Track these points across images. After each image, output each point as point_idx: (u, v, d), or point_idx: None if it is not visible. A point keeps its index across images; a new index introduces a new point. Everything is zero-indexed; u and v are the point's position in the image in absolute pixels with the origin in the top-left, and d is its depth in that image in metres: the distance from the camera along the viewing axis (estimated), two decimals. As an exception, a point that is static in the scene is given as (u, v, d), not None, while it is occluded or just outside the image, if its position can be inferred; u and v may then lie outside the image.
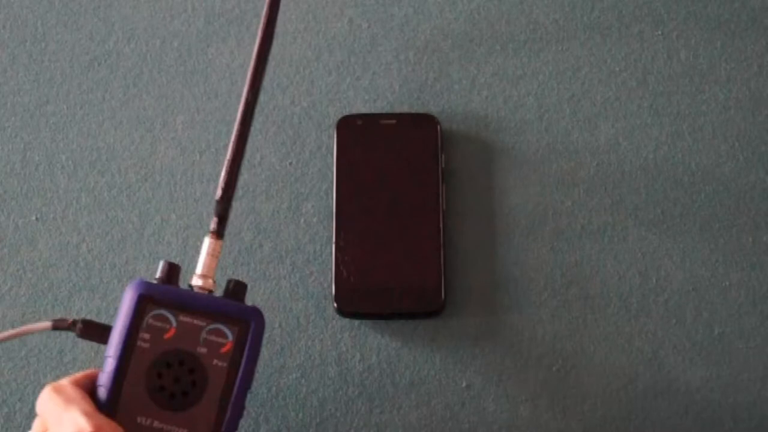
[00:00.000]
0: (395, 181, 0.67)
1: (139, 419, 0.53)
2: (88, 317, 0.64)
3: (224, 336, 0.55)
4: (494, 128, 0.69)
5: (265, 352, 0.64)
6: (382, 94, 0.70)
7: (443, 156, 0.68)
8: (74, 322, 0.55)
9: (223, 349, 0.54)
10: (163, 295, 0.54)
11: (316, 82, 0.71)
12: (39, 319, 0.65)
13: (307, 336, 0.64)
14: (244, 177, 0.68)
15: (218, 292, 0.57)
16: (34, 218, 0.67)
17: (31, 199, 0.68)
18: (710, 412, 0.63)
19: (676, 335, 0.64)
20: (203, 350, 0.54)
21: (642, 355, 0.64)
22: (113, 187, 0.68)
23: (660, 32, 0.72)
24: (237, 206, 0.67)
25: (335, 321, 0.65)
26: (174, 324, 0.54)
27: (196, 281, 0.57)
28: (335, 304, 0.64)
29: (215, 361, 0.54)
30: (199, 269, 0.57)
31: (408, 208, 0.66)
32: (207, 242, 0.58)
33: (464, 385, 0.64)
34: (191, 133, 0.70)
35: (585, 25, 0.72)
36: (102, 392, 0.53)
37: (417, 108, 0.70)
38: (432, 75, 0.71)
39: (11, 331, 0.54)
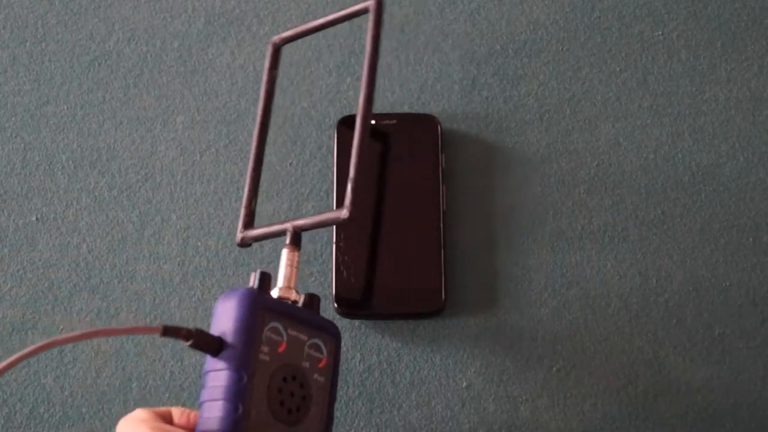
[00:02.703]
0: (395, 181, 0.67)
1: None
2: (88, 318, 0.65)
3: (320, 351, 0.53)
4: (494, 128, 0.69)
5: (265, 352, 0.64)
6: (382, 94, 0.70)
7: (443, 156, 0.68)
8: (188, 333, 0.50)
9: (320, 364, 0.53)
10: (275, 306, 0.52)
11: (316, 82, 0.71)
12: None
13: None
14: (244, 177, 0.68)
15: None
16: (34, 218, 0.67)
17: (31, 199, 0.68)
18: (710, 412, 0.63)
19: (676, 335, 0.64)
20: (306, 364, 0.53)
21: (642, 355, 0.64)
22: (113, 187, 0.68)
23: (660, 32, 0.72)
24: (237, 206, 0.67)
25: (335, 321, 0.65)
26: (285, 338, 0.52)
27: (284, 293, 0.55)
28: (335, 304, 0.64)
29: (315, 376, 0.53)
30: (281, 281, 0.56)
31: (408, 208, 0.66)
32: (285, 254, 0.57)
33: (464, 385, 0.64)
34: (191, 133, 0.70)
35: (585, 25, 0.72)
36: (226, 408, 0.49)
37: (417, 108, 0.70)
38: (432, 75, 0.71)
39: (120, 328, 0.49)
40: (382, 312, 0.64)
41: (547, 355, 0.64)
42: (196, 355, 0.64)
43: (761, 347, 0.64)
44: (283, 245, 0.57)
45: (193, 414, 0.52)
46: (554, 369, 0.64)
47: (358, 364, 0.64)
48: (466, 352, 0.64)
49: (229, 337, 0.50)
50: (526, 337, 0.64)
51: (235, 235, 0.67)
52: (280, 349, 0.52)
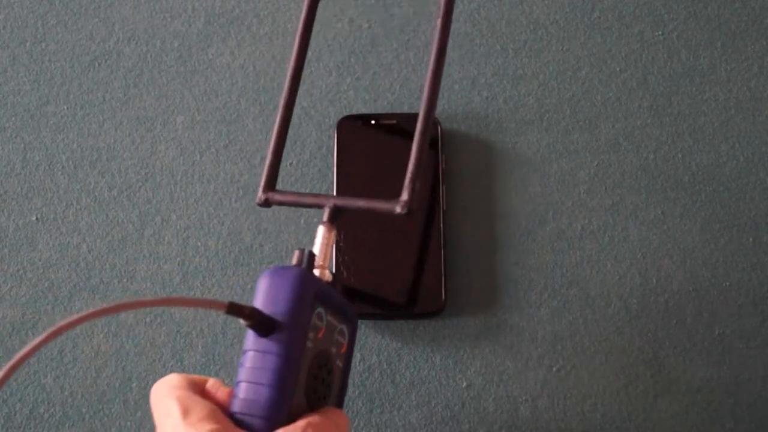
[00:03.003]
0: (395, 181, 0.67)
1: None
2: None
3: (344, 336, 0.52)
4: (494, 128, 0.69)
5: (265, 352, 0.64)
6: (382, 94, 0.70)
7: (443, 156, 0.68)
8: (251, 312, 0.47)
9: (342, 350, 0.52)
10: (322, 290, 0.50)
11: (316, 82, 0.71)
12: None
13: (307, 336, 0.65)
14: (244, 177, 0.68)
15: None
16: (34, 218, 0.67)
17: (31, 199, 0.68)
18: (710, 412, 0.63)
19: (676, 335, 0.64)
20: (333, 350, 0.51)
21: (642, 355, 0.64)
22: (113, 187, 0.68)
23: (660, 32, 0.72)
24: (237, 206, 0.67)
25: (335, 321, 0.65)
26: (324, 323, 0.50)
27: (320, 274, 0.53)
28: (335, 304, 0.64)
29: (337, 362, 0.51)
30: (317, 260, 0.53)
31: (408, 208, 0.66)
32: (321, 232, 0.54)
33: (464, 385, 0.64)
34: (191, 133, 0.70)
35: (585, 25, 0.72)
36: (272, 395, 0.47)
37: (417, 108, 0.70)
38: (432, 75, 0.71)
39: (188, 299, 0.46)
40: (382, 312, 0.64)
41: (547, 355, 0.64)
42: (196, 355, 0.64)
43: (761, 347, 0.64)
44: (319, 221, 0.55)
45: (223, 390, 0.49)
46: (554, 369, 0.64)
47: (358, 364, 0.64)
48: (466, 352, 0.64)
49: (281, 319, 0.47)
50: (526, 337, 0.64)
51: (235, 234, 0.67)
52: (320, 335, 0.50)
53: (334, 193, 0.66)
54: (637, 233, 0.67)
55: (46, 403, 0.63)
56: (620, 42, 0.72)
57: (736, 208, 0.67)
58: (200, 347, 0.64)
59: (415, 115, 0.69)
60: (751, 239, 0.66)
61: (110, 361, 0.64)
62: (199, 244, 0.67)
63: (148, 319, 0.65)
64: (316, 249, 0.54)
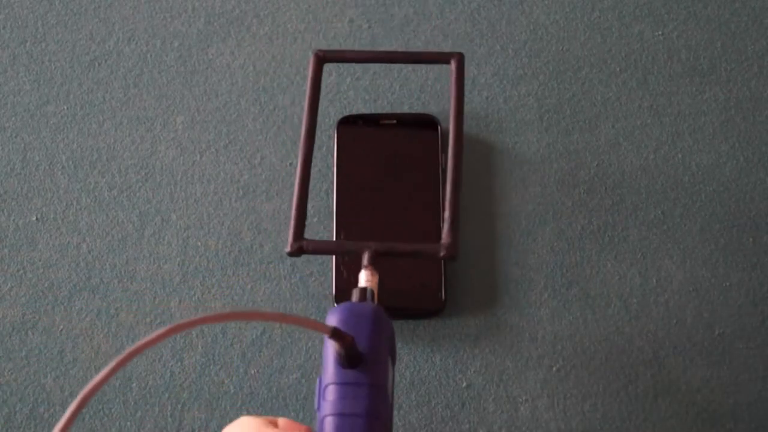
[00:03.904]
0: (395, 181, 0.67)
1: None
2: (88, 318, 0.65)
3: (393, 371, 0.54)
4: (494, 128, 0.69)
5: (265, 353, 0.64)
6: (382, 94, 0.70)
7: (443, 156, 0.68)
8: (351, 342, 0.47)
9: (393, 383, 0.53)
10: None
11: (316, 82, 0.71)
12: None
13: (307, 336, 0.64)
14: (244, 177, 0.68)
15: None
16: (34, 218, 0.67)
17: (31, 199, 0.68)
18: (710, 412, 0.63)
19: (676, 335, 0.64)
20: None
21: (642, 355, 0.64)
22: (113, 187, 0.68)
23: (660, 32, 0.72)
24: (237, 206, 0.67)
25: (335, 321, 0.65)
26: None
27: None
28: (335, 304, 0.64)
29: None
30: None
31: (408, 209, 0.66)
32: (365, 276, 0.55)
33: (464, 385, 0.64)
34: (191, 133, 0.70)
35: (585, 25, 0.72)
36: (364, 423, 0.46)
37: (417, 108, 0.70)
38: (432, 75, 0.71)
39: (292, 317, 0.44)
40: (382, 312, 0.64)
41: (547, 355, 0.64)
42: (196, 355, 0.64)
43: (761, 347, 0.64)
44: (362, 266, 0.56)
45: (299, 428, 0.49)
46: (554, 369, 0.64)
47: (358, 364, 0.64)
48: (466, 352, 0.64)
49: (365, 351, 0.48)
50: (526, 337, 0.64)
51: (235, 235, 0.67)
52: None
53: (335, 193, 0.66)
54: (637, 233, 0.67)
55: (46, 403, 0.63)
56: (620, 42, 0.72)
57: (736, 208, 0.67)
58: (200, 347, 0.64)
59: (416, 115, 0.69)
60: (751, 239, 0.67)
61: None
62: (199, 244, 0.67)
63: (148, 320, 0.65)
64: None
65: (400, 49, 0.71)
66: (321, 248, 0.57)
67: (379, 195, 0.67)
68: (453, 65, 0.61)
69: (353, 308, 0.50)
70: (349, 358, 0.47)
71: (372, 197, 0.66)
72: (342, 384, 0.47)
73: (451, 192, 0.58)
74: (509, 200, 0.67)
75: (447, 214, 0.57)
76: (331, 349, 0.49)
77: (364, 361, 0.48)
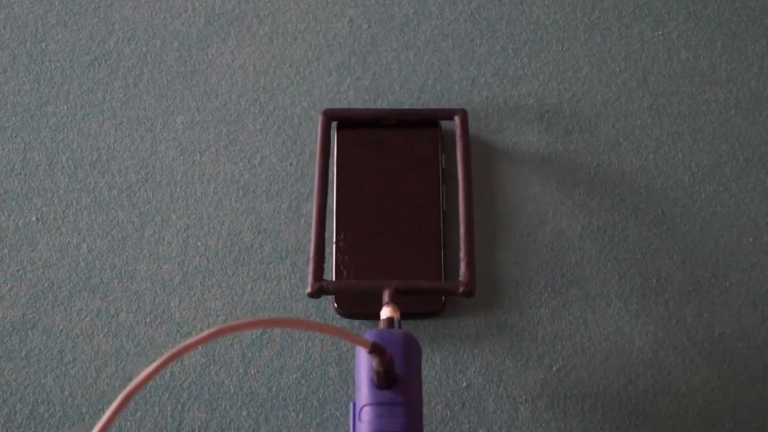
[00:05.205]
0: (395, 181, 0.67)
1: None
2: (88, 318, 0.65)
3: None
4: (494, 128, 0.69)
5: (265, 353, 0.64)
6: (382, 94, 0.70)
7: (443, 156, 0.68)
8: (390, 359, 0.48)
9: None
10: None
11: (316, 82, 0.71)
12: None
13: (307, 336, 0.64)
14: (244, 177, 0.68)
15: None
16: (34, 218, 0.67)
17: (31, 199, 0.68)
18: (710, 412, 0.63)
19: (676, 335, 0.64)
20: None
21: (642, 355, 0.64)
22: (113, 187, 0.68)
23: (660, 32, 0.72)
24: (237, 206, 0.67)
25: (335, 321, 0.65)
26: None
27: None
28: (335, 304, 0.64)
29: None
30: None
31: (408, 209, 0.66)
32: (386, 312, 0.58)
33: (464, 385, 0.64)
34: (191, 133, 0.70)
35: (585, 25, 0.72)
36: None
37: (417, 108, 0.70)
38: (432, 75, 0.71)
39: (330, 327, 0.45)
40: (382, 312, 0.64)
41: (547, 355, 0.64)
42: (196, 355, 0.64)
43: (761, 347, 0.64)
44: (384, 303, 0.59)
45: None
46: (554, 369, 0.64)
47: (358, 364, 0.64)
48: (466, 352, 0.64)
49: (402, 374, 0.49)
50: (526, 337, 0.64)
51: (235, 235, 0.67)
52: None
53: (335, 193, 0.67)
54: (637, 233, 0.67)
55: (46, 403, 0.63)
56: (620, 42, 0.72)
57: (736, 208, 0.67)
58: (200, 347, 0.64)
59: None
60: (751, 239, 0.67)
61: (110, 361, 0.64)
62: (199, 244, 0.67)
63: (148, 320, 0.65)
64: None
65: (399, 50, 0.71)
66: (341, 287, 0.61)
67: (379, 195, 0.67)
68: (457, 121, 0.66)
69: (384, 333, 0.52)
70: (386, 377, 0.48)
71: (372, 197, 0.66)
72: (378, 404, 0.48)
73: (465, 233, 0.62)
74: (509, 200, 0.67)
75: (463, 253, 0.62)
76: (365, 372, 0.50)
77: (400, 381, 0.49)
